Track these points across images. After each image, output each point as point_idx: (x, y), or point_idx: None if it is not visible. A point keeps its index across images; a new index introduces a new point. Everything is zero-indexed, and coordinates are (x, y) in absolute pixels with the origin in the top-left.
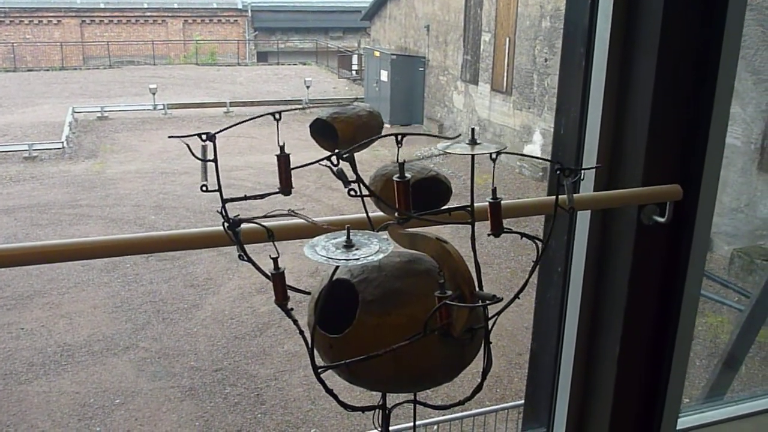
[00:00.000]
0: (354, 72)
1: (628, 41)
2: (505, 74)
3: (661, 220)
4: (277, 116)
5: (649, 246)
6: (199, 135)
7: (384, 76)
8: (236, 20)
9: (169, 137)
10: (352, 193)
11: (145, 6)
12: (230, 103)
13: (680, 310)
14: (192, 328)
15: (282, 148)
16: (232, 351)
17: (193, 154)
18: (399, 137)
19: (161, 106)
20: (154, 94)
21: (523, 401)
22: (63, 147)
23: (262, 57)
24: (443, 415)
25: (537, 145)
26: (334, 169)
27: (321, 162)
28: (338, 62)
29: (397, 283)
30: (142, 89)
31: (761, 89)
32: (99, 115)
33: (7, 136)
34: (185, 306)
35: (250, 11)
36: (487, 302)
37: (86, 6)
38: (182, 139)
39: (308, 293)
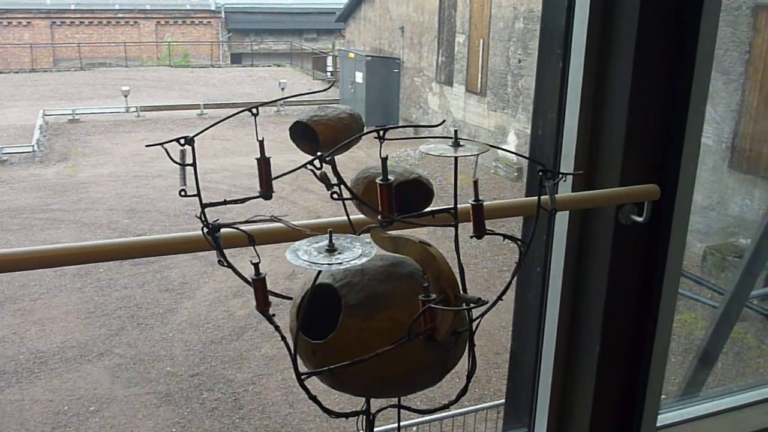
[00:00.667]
0: (329, 74)
1: (604, 42)
2: (480, 75)
3: (639, 219)
4: (254, 111)
5: (627, 245)
6: (177, 140)
7: (359, 77)
8: (209, 22)
9: (147, 145)
10: (335, 196)
11: (117, 7)
12: (204, 105)
13: (659, 308)
14: (168, 333)
15: (262, 150)
16: (209, 356)
17: (172, 159)
18: (381, 133)
19: (134, 109)
20: (126, 96)
21: (501, 401)
22: (33, 150)
23: (236, 59)
24: (423, 417)
25: (511, 146)
26: (317, 172)
27: (304, 166)
28: (313, 64)
29: (380, 286)
30: (115, 91)
31: (731, 89)
32: (70, 117)
33: None
34: (160, 311)
35: (223, 13)
36: (472, 305)
37: (56, 7)
38: (160, 144)
39: (290, 298)
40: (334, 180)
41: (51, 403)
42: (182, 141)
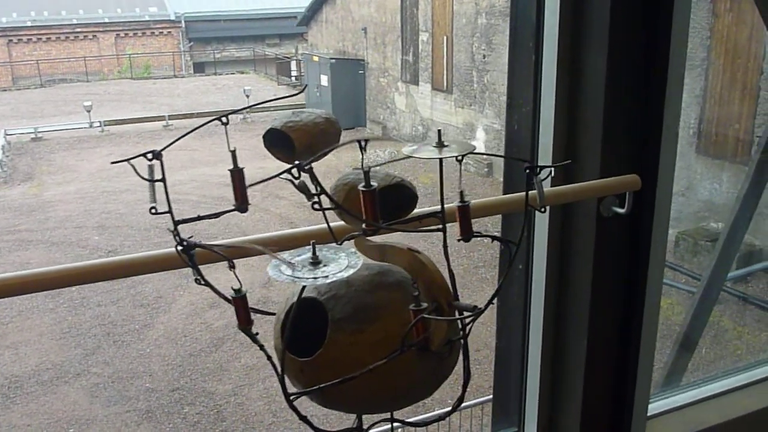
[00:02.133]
0: (293, 78)
1: (577, 33)
2: (445, 73)
3: (620, 210)
4: (224, 120)
5: (610, 237)
6: (144, 155)
7: (324, 80)
8: (170, 32)
9: (113, 162)
10: (316, 207)
11: (75, 22)
12: (169, 116)
13: (644, 299)
14: (145, 349)
15: (235, 161)
16: (188, 369)
17: (140, 175)
18: (363, 143)
19: (98, 124)
20: (89, 111)
21: (486, 398)
22: None
23: (199, 68)
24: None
25: (480, 142)
26: (296, 182)
27: (281, 176)
28: (277, 69)
29: (368, 297)
30: (77, 107)
31: (694, 75)
32: (33, 136)
33: None
34: (136, 327)
35: (183, 22)
36: (468, 314)
37: (12, 25)
38: (127, 161)
39: (273, 314)
40: (313, 189)
41: (29, 428)
42: (150, 156)
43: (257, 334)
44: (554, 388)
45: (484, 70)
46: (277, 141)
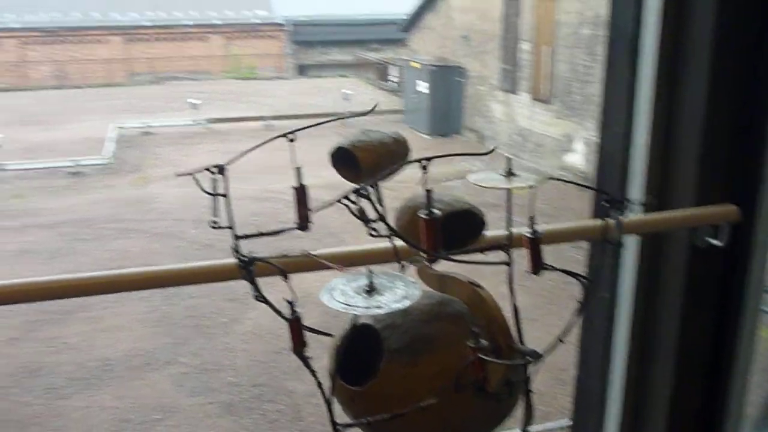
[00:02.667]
0: (393, 83)
1: (677, 50)
2: (545, 83)
3: (716, 242)
4: (291, 137)
5: (703, 270)
6: (209, 168)
7: (423, 86)
8: (276, 35)
9: (178, 174)
10: (374, 233)
11: (188, 23)
12: (270, 116)
13: (739, 337)
14: (231, 343)
15: (299, 179)
16: (271, 366)
17: (203, 189)
18: (424, 163)
19: (202, 121)
20: (195, 109)
21: (567, 420)
22: (107, 162)
23: (302, 70)
24: None
25: (579, 155)
26: (353, 208)
27: (339, 201)
28: (377, 74)
29: (425, 328)
30: (184, 104)
31: None
32: (142, 130)
33: (54, 152)
34: (225, 320)
35: (290, 25)
36: (528, 360)
37: (131, 24)
38: (192, 174)
39: (330, 335)
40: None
41: (117, 411)
42: (214, 170)
43: (310, 358)
44: (636, 423)
45: (585, 81)
46: (345, 158)
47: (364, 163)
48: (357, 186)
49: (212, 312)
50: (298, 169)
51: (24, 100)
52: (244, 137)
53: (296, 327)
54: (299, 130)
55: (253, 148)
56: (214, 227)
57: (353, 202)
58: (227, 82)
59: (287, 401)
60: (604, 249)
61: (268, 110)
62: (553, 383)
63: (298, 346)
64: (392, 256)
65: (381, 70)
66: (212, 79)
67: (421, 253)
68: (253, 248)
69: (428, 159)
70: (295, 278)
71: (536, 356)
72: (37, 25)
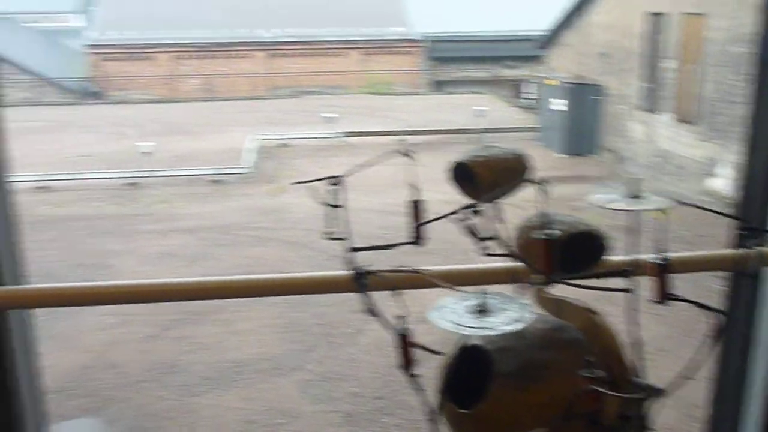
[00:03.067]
0: (527, 100)
1: None
2: (690, 103)
3: None
4: (406, 152)
5: None
6: (326, 179)
7: (558, 104)
8: (412, 50)
9: (293, 183)
10: (487, 252)
11: (327, 39)
12: (403, 131)
13: None
14: (355, 354)
15: (415, 194)
16: (393, 380)
17: (321, 202)
18: (541, 184)
19: (338, 134)
20: (331, 122)
21: None
22: (246, 172)
23: (436, 86)
24: None
25: (723, 179)
26: (466, 225)
27: (451, 216)
28: (512, 91)
29: (538, 354)
30: (321, 118)
31: None
32: (280, 142)
33: (198, 161)
34: (350, 331)
35: (425, 42)
36: (646, 396)
37: (274, 40)
38: (309, 182)
39: (439, 353)
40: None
41: (244, 412)
42: (332, 181)
43: (418, 376)
44: None
45: (733, 102)
46: (465, 174)
47: (481, 179)
48: (473, 202)
49: (338, 322)
50: (414, 185)
51: (174, 111)
52: (376, 151)
53: (404, 342)
54: (423, 144)
55: (372, 162)
56: (328, 238)
57: (466, 219)
58: (363, 97)
59: (407, 416)
60: (741, 281)
61: (402, 125)
62: (685, 419)
63: (406, 363)
64: (507, 276)
65: (516, 87)
66: (349, 94)
67: (537, 276)
68: (378, 261)
69: (545, 182)
70: (413, 293)
71: (656, 392)
72: (188, 41)
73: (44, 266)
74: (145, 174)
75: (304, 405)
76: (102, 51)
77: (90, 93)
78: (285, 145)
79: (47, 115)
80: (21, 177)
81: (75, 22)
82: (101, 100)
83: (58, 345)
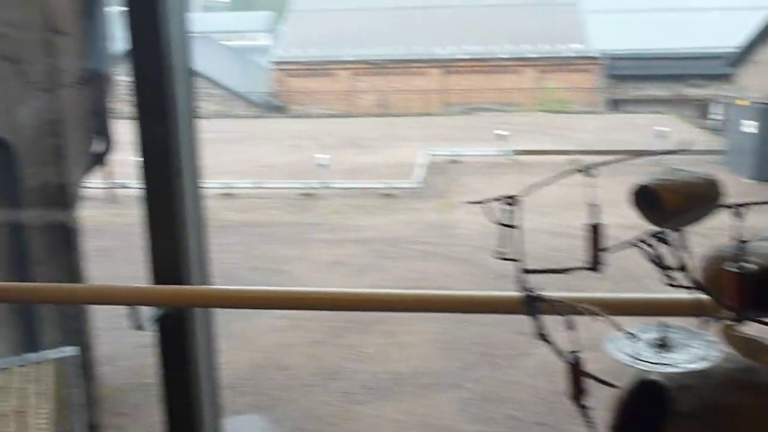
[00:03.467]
0: (713, 121)
1: None
2: None
3: None
4: (587, 171)
5: None
6: (502, 198)
7: (749, 126)
8: (589, 68)
9: (467, 202)
10: (672, 283)
11: (502, 56)
12: (576, 151)
13: None
14: (516, 376)
15: (594, 215)
16: (556, 407)
17: (494, 221)
18: (734, 211)
19: (508, 152)
20: (503, 139)
21: None
22: (416, 187)
23: (614, 105)
24: None
25: None
26: (650, 252)
27: (636, 244)
28: (696, 111)
29: (724, 396)
30: (492, 135)
31: None
32: (450, 158)
33: (370, 174)
34: (512, 353)
35: (604, 59)
36: None
37: (449, 57)
38: (482, 202)
39: (614, 386)
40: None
41: (402, 424)
42: (507, 200)
43: (588, 409)
44: None
45: None
46: (648, 198)
47: (668, 204)
48: (657, 229)
49: (500, 342)
50: (593, 206)
51: (350, 125)
52: (548, 170)
53: (576, 371)
54: (600, 165)
55: (548, 181)
56: (500, 258)
57: (651, 246)
58: (536, 115)
59: None
60: None
61: (575, 144)
62: None
63: (576, 393)
64: (692, 310)
65: (701, 108)
66: (522, 111)
67: (726, 311)
68: (541, 283)
69: (743, 205)
70: (586, 320)
71: None
72: (366, 58)
73: (224, 268)
74: (320, 185)
75: (461, 423)
76: (286, 67)
77: (273, 107)
78: (455, 161)
79: (234, 127)
80: (209, 184)
81: (263, 40)
82: (283, 113)
83: (233, 344)
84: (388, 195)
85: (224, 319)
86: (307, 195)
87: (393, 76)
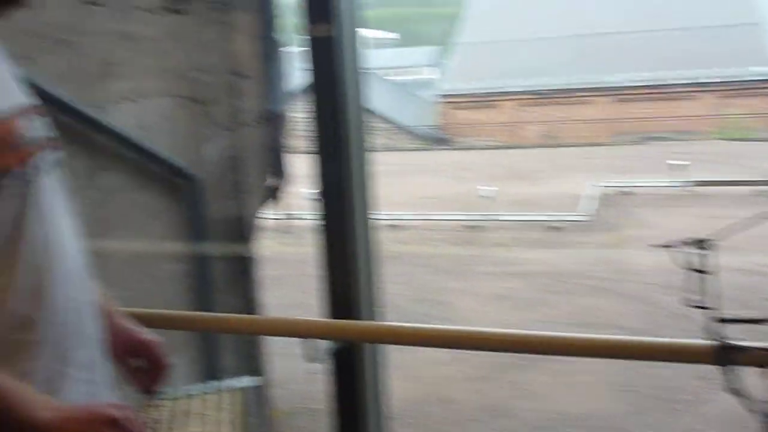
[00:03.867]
0: None
1: None
2: None
3: None
4: None
5: None
6: (693, 242)
7: None
8: None
9: (652, 245)
10: None
11: (677, 82)
12: (762, 181)
13: None
14: (694, 424)
15: None
16: None
17: (682, 266)
18: None
19: (685, 183)
20: (678, 169)
21: None
22: (583, 219)
23: None
24: None
25: None
26: None
27: None
28: None
29: None
30: (666, 165)
31: None
32: (621, 189)
33: (535, 206)
34: (689, 398)
35: None
36: None
37: (617, 85)
38: (667, 247)
39: None
40: None
41: None
42: (699, 244)
43: None
44: None
45: None
46: None
47: None
48: None
49: (677, 386)
50: None
51: (514, 157)
52: (731, 203)
53: None
54: None
55: (748, 223)
56: (691, 306)
57: None
58: (714, 143)
59: None
60: None
61: (761, 174)
62: None
63: None
64: None
65: None
66: (698, 140)
67: None
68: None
69: None
70: None
71: None
72: (531, 89)
73: (389, 299)
74: (484, 217)
75: None
76: (450, 100)
77: (438, 139)
78: (627, 193)
79: (400, 160)
80: (376, 215)
81: (428, 74)
82: (448, 146)
83: (396, 374)
84: (554, 228)
85: (390, 350)
86: (471, 227)
87: (559, 105)
